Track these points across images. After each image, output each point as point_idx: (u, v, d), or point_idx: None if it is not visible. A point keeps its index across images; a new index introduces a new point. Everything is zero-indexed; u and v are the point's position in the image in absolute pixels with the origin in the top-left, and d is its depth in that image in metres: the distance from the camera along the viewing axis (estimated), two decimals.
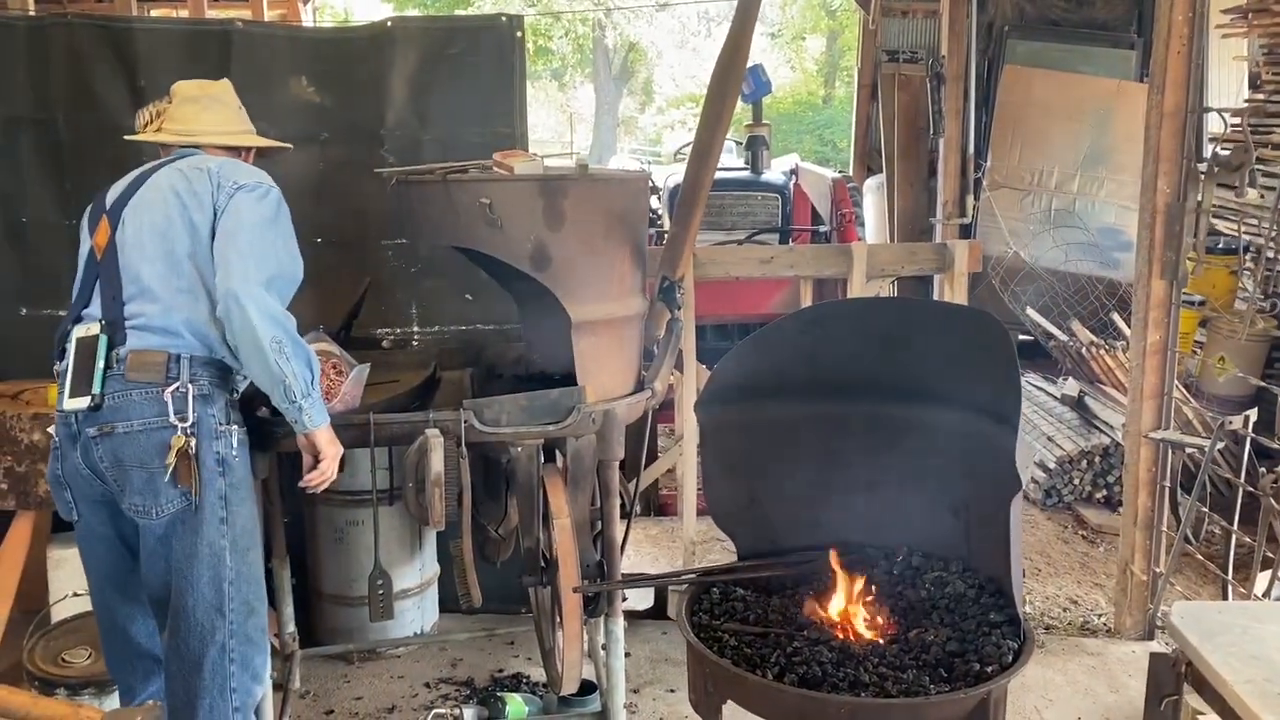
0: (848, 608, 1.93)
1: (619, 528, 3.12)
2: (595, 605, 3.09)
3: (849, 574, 2.00)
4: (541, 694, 3.48)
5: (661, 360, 3.12)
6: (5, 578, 3.21)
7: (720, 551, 4.31)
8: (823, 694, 1.66)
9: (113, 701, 2.68)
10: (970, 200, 6.84)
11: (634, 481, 3.41)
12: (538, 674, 3.62)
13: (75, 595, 3.01)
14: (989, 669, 1.72)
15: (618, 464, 3.09)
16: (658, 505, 5.01)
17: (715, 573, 2.06)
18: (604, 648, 3.21)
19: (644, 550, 4.33)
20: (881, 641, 1.84)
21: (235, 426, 2.41)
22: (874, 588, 1.96)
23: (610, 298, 2.95)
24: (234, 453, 2.40)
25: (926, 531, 2.09)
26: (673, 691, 3.56)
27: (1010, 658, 1.75)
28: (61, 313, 4.00)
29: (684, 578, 2.08)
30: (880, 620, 1.89)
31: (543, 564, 3.27)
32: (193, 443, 2.31)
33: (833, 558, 2.04)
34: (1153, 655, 1.70)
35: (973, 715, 1.65)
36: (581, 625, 2.82)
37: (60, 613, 3.08)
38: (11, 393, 3.42)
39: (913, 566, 2.05)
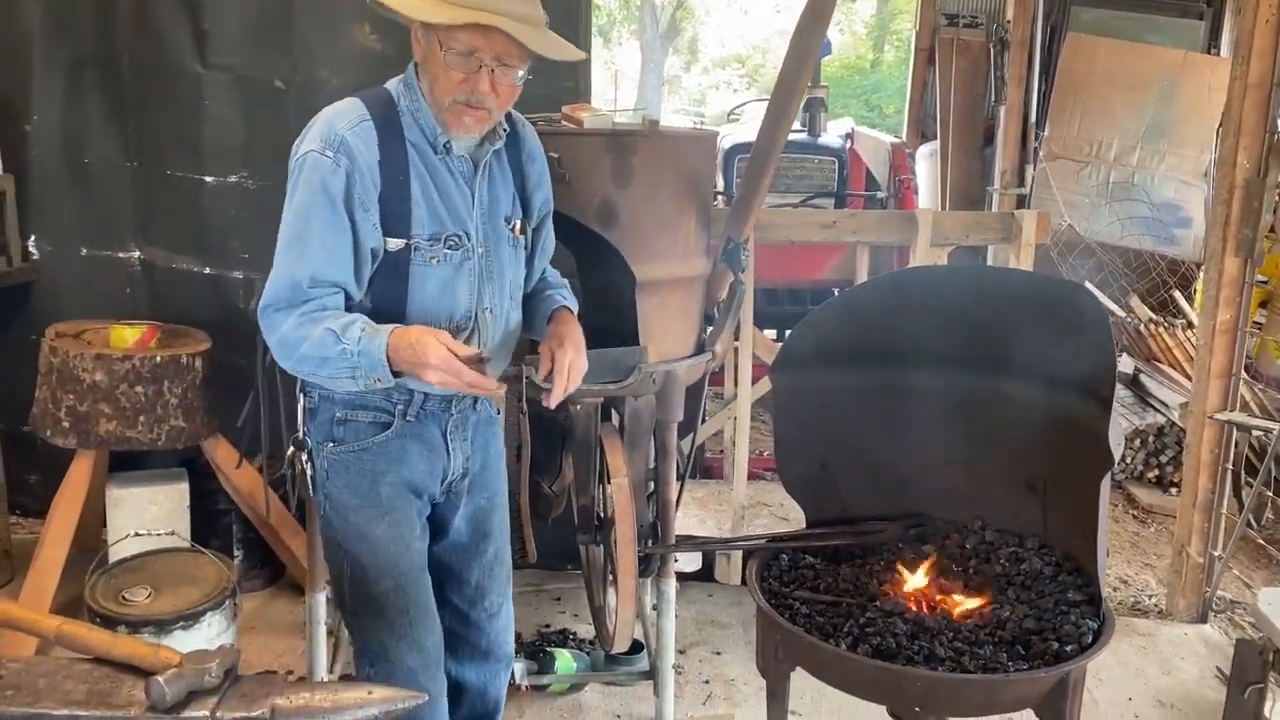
0: (921, 580, 1.90)
1: (674, 489, 3.11)
2: (648, 565, 3.09)
3: (921, 546, 1.96)
4: (589, 650, 3.49)
5: (723, 323, 3.08)
6: (64, 516, 3.25)
7: (768, 517, 4.29)
8: (898, 666, 1.64)
9: (172, 640, 2.72)
10: (1029, 170, 6.70)
11: (690, 443, 3.38)
12: (584, 630, 3.63)
13: (135, 535, 3.04)
14: (1068, 648, 1.69)
15: (676, 426, 3.08)
16: (704, 468, 4.98)
17: (785, 539, 2.03)
18: (654, 608, 3.22)
19: (690, 512, 4.31)
20: (956, 616, 1.81)
21: (332, 445, 2.10)
22: (948, 561, 1.93)
23: (675, 257, 2.90)
24: (325, 474, 2.12)
25: (1001, 506, 2.04)
26: (718, 654, 3.56)
27: (1090, 638, 1.71)
28: (121, 254, 4.07)
29: (753, 543, 2.05)
30: (954, 595, 1.86)
31: (596, 522, 3.27)
32: (303, 456, 2.15)
33: (905, 529, 2.01)
34: (1239, 642, 1.66)
35: (1050, 695, 1.62)
36: (636, 585, 2.81)
37: (119, 552, 3.12)
38: (74, 332, 3.45)
39: (986, 541, 2.01)
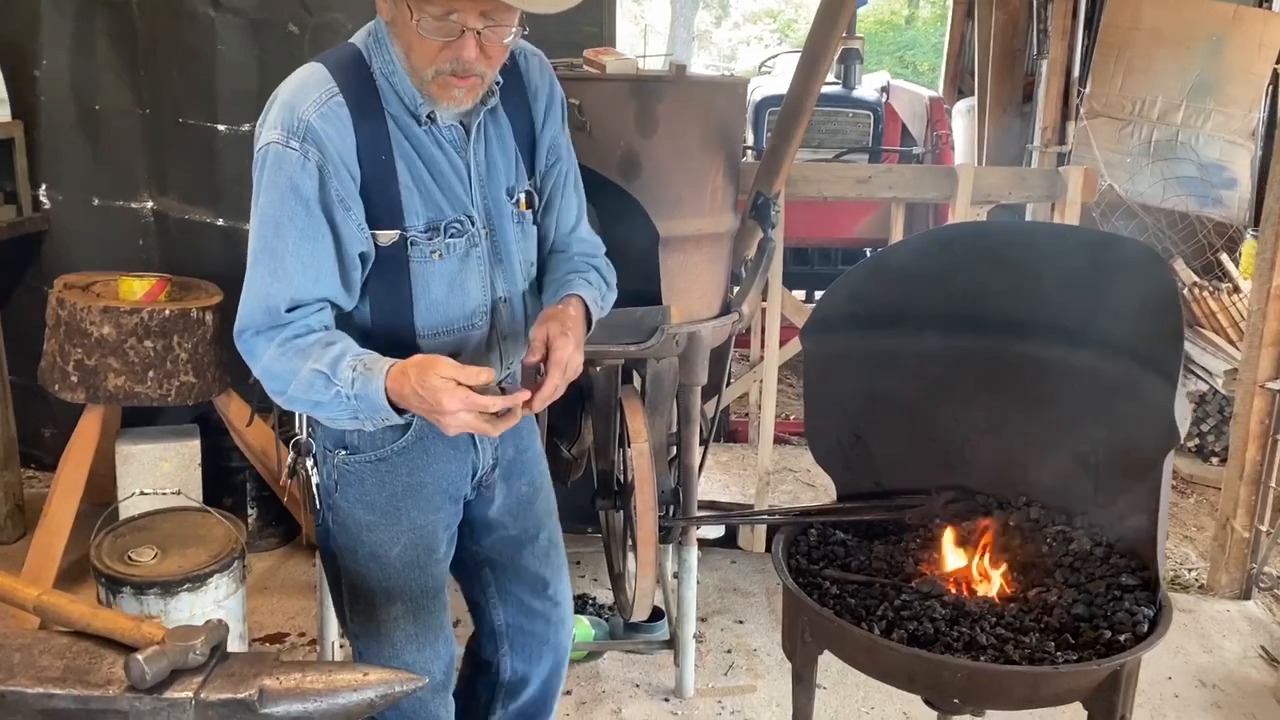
0: (960, 560, 1.77)
1: (697, 454, 2.99)
2: (669, 532, 2.98)
3: (961, 523, 1.83)
4: (608, 617, 3.40)
5: (751, 282, 2.95)
6: (72, 472, 3.18)
7: (793, 483, 4.17)
8: (936, 655, 1.51)
9: (177, 603, 2.64)
10: (1072, 126, 6.46)
11: (715, 407, 3.26)
12: (603, 596, 3.54)
13: (141, 494, 2.96)
14: (1121, 638, 1.56)
15: (699, 389, 2.96)
16: (728, 431, 4.87)
17: (814, 513, 1.91)
18: (675, 575, 3.12)
19: (713, 477, 4.21)
20: (998, 600, 1.68)
21: (344, 452, 1.82)
22: (989, 540, 1.80)
23: (701, 213, 2.77)
24: (334, 485, 1.84)
25: (1048, 481, 1.91)
26: (741, 623, 3.46)
27: (1145, 627, 1.58)
28: (134, 205, 3.98)
29: (779, 517, 1.93)
30: (996, 576, 1.73)
31: (616, 488, 3.16)
32: (307, 464, 1.88)
33: (943, 504, 1.88)
34: None
35: (1101, 689, 1.50)
36: (656, 553, 2.70)
37: (129, 511, 3.04)
38: (82, 284, 3.36)
39: (1031, 519, 1.87)
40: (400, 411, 1.61)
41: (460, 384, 1.54)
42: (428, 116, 1.69)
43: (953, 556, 1.78)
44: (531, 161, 1.87)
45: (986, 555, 1.78)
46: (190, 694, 1.35)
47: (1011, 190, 3.58)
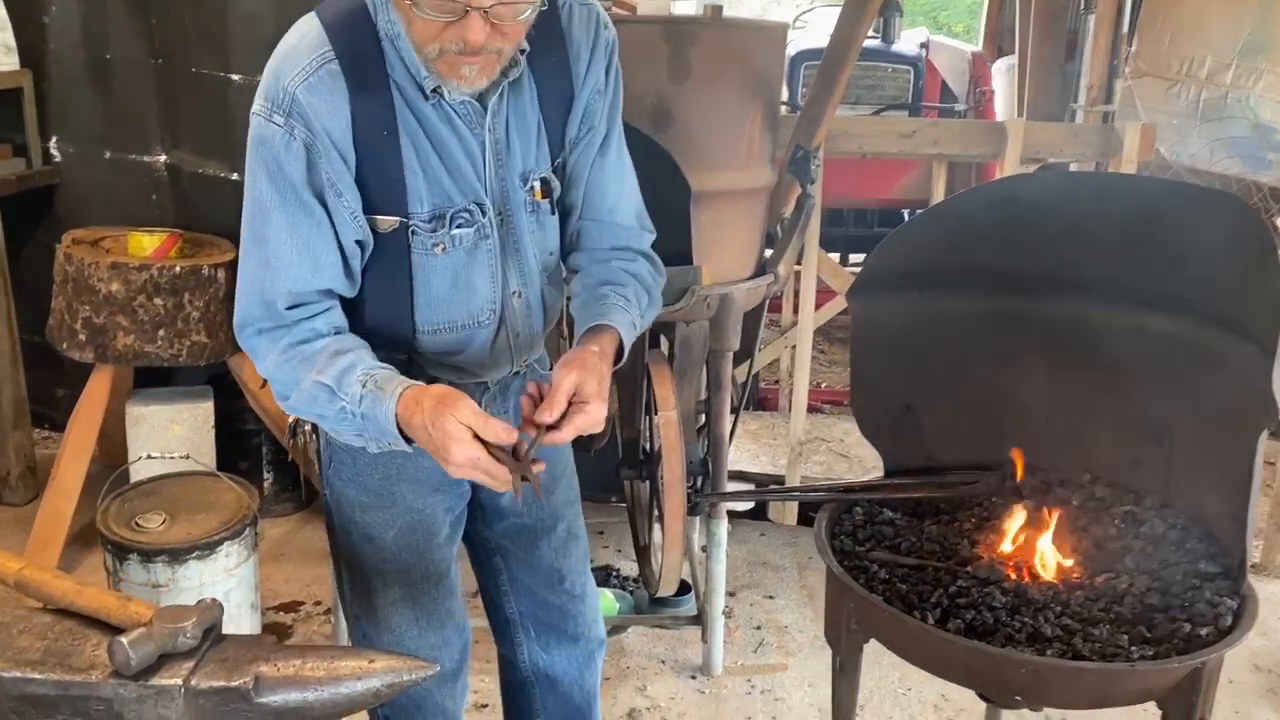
0: (1019, 543, 1.62)
1: (727, 423, 2.86)
2: (697, 505, 2.85)
3: (1020, 501, 1.68)
4: (632, 590, 3.28)
5: (788, 242, 2.79)
6: (82, 433, 3.08)
7: (826, 453, 4.03)
8: (999, 649, 1.37)
9: (186, 571, 2.54)
10: (1120, 85, 6.22)
11: (746, 373, 3.12)
12: (628, 568, 3.42)
13: (149, 457, 2.85)
14: (1202, 632, 1.41)
15: (731, 355, 2.81)
16: (757, 399, 4.72)
17: (859, 489, 1.77)
18: (703, 549, 2.99)
19: (743, 447, 4.07)
20: (1063, 587, 1.53)
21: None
22: (1051, 520, 1.65)
23: (737, 166, 2.61)
24: (329, 460, 1.71)
25: (1115, 458, 1.75)
26: (771, 598, 3.33)
27: (1229, 620, 1.43)
28: (147, 158, 3.85)
29: (820, 494, 1.79)
30: (1061, 561, 1.58)
31: (642, 457, 3.03)
32: (306, 427, 1.79)
33: (1003, 480, 1.73)
34: None
35: (1179, 688, 1.35)
36: (684, 526, 2.57)
37: (138, 474, 2.94)
38: (91, 239, 3.24)
39: (1096, 498, 1.72)
40: (409, 440, 1.44)
41: (477, 436, 1.38)
42: (434, 90, 1.47)
43: (1011, 538, 1.63)
44: (562, 135, 1.63)
45: (1049, 537, 1.63)
46: (179, 681, 1.23)
47: (1064, 147, 3.40)
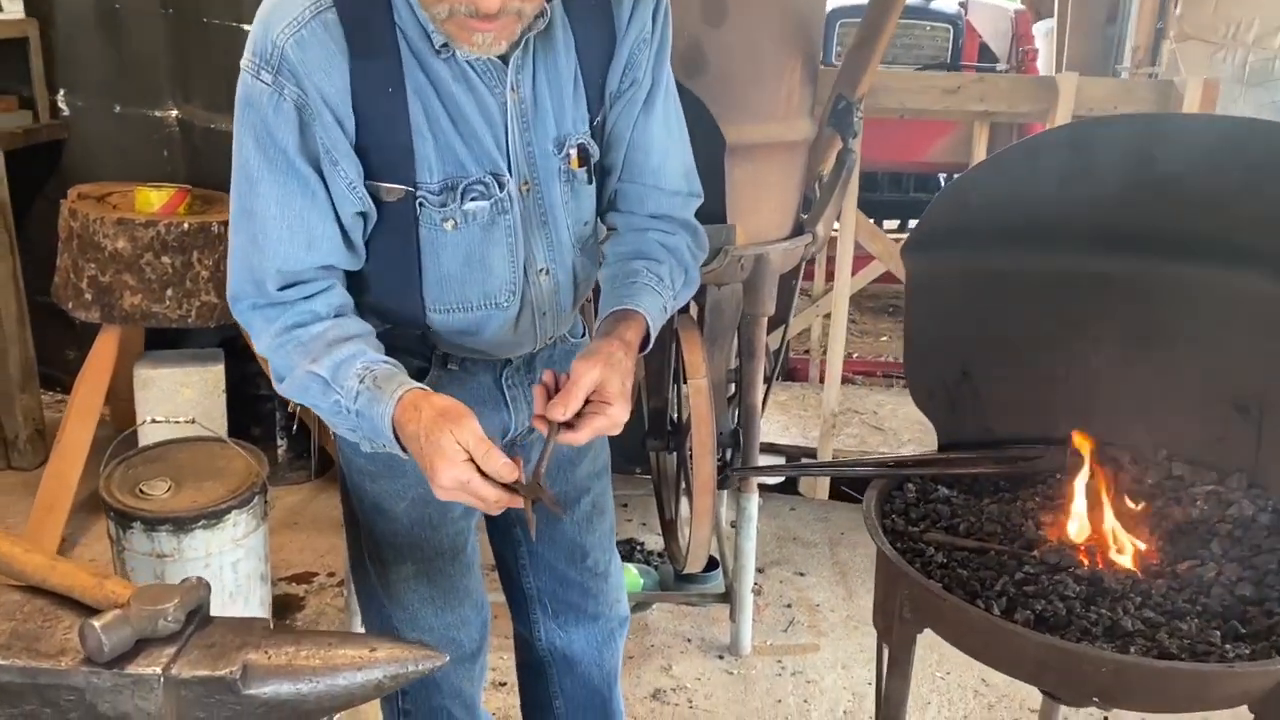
0: (1090, 524, 1.47)
1: (760, 393, 2.71)
2: (726, 478, 2.71)
3: (1089, 479, 1.53)
4: (656, 565, 3.15)
5: (828, 199, 2.63)
6: (87, 397, 2.97)
7: (859, 426, 3.87)
8: (1076, 644, 1.22)
9: (192, 541, 2.43)
10: (1167, 46, 5.98)
11: (780, 339, 2.96)
12: (652, 542, 3.29)
13: (154, 421, 2.74)
14: None
15: (765, 320, 2.66)
16: (786, 369, 4.56)
17: (911, 464, 1.61)
18: (732, 524, 2.85)
19: (772, 418, 3.91)
20: (1142, 575, 1.38)
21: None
22: (1125, 500, 1.49)
23: (775, 117, 2.44)
24: (349, 440, 1.49)
25: (1196, 432, 1.59)
26: (801, 575, 3.19)
27: None
28: (158, 112, 3.72)
29: (868, 468, 1.64)
30: (1137, 545, 1.43)
31: (670, 427, 2.89)
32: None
33: (1068, 454, 1.57)
34: None
35: (1276, 691, 1.20)
36: (713, 500, 2.43)
37: (146, 438, 2.83)
38: (98, 194, 3.12)
39: (1174, 476, 1.56)
40: (404, 448, 1.30)
41: (471, 460, 1.24)
42: (444, 44, 1.30)
43: (1080, 520, 1.48)
44: (601, 88, 1.45)
45: (1122, 519, 1.48)
46: (158, 669, 1.10)
47: (1118, 104, 3.20)
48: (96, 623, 1.09)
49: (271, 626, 1.18)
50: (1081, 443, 1.55)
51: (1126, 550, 1.43)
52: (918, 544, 1.45)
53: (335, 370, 1.31)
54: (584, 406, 1.32)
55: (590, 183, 1.50)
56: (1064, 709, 1.64)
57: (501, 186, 1.38)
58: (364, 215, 1.37)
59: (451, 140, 1.35)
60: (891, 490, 1.58)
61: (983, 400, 1.64)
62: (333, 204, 1.33)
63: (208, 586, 1.19)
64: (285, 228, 1.31)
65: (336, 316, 1.37)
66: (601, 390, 1.32)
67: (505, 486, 1.26)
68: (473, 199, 1.37)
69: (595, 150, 1.48)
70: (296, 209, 1.31)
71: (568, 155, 1.44)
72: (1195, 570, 1.39)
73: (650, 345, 1.48)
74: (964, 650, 1.32)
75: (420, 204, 1.36)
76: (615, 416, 1.33)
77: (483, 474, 1.24)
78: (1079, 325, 1.61)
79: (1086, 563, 1.39)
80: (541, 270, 1.47)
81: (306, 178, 1.30)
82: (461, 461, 1.23)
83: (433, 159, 1.34)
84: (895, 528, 1.49)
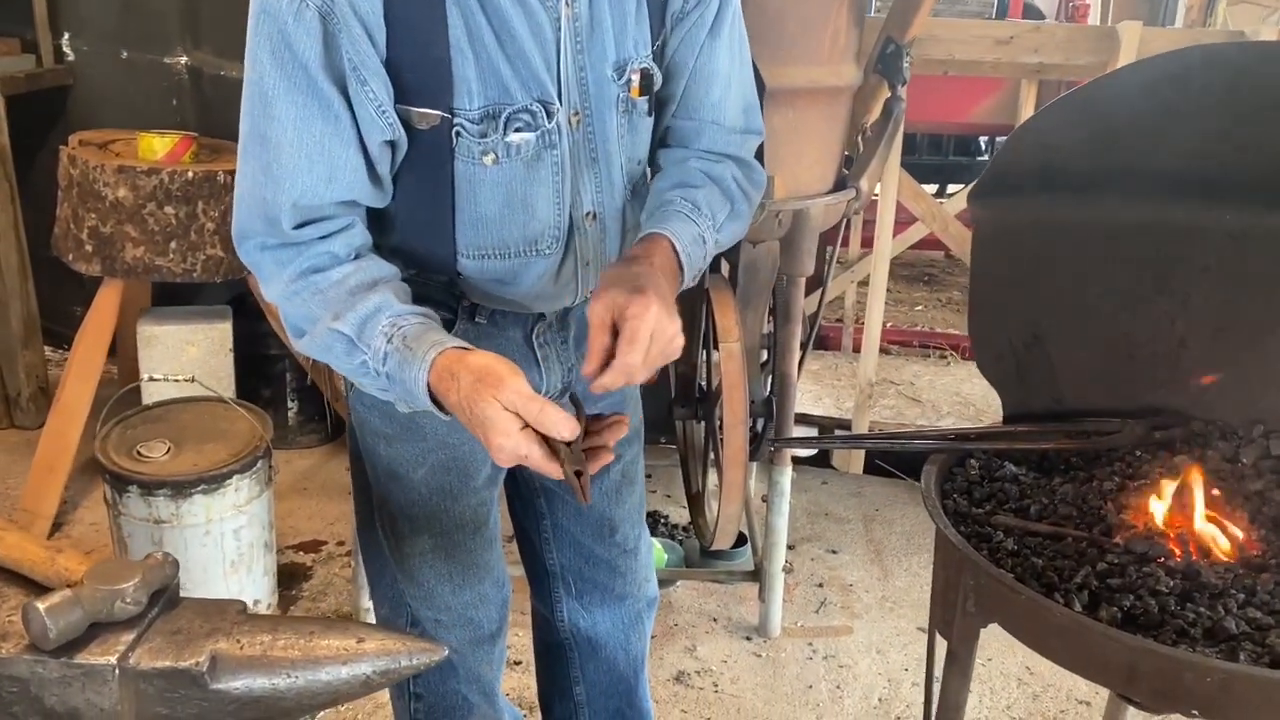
0: (1178, 509, 1.30)
1: (795, 360, 2.53)
2: (758, 449, 2.55)
3: (1173, 458, 1.35)
4: (682, 539, 3.00)
5: (873, 151, 2.44)
6: (89, 352, 2.84)
7: (895, 397, 3.69)
8: (1176, 649, 1.06)
9: (191, 506, 2.30)
10: (1221, 7, 5.71)
11: (818, 302, 2.79)
12: (677, 514, 3.13)
13: (152, 379, 2.60)
14: None
15: (803, 281, 2.48)
16: (818, 337, 4.38)
17: (973, 437, 1.44)
18: (763, 499, 2.69)
19: (804, 387, 3.74)
20: (1244, 568, 1.21)
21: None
22: (1219, 482, 1.32)
23: (819, 60, 2.25)
24: (353, 386, 1.38)
25: None
26: (834, 553, 3.03)
27: None
28: (167, 59, 3.57)
29: (929, 441, 1.47)
30: (1235, 533, 1.26)
31: (698, 395, 2.72)
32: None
33: (1150, 429, 1.40)
34: None
35: None
36: (744, 473, 2.27)
37: (150, 396, 2.70)
38: (100, 141, 2.97)
39: (1272, 455, 1.39)
40: (443, 409, 1.16)
41: (526, 426, 1.08)
42: None
43: (1166, 503, 1.31)
44: (664, 8, 1.30)
45: (1213, 504, 1.30)
46: (113, 659, 0.95)
47: None
48: (41, 604, 0.94)
49: (247, 609, 1.03)
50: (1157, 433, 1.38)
51: (1224, 539, 1.25)
52: (984, 527, 1.28)
53: (360, 327, 1.16)
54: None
55: (650, 114, 1.35)
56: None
57: (550, 116, 1.23)
58: (393, 145, 1.22)
59: (496, 60, 1.19)
60: (951, 467, 1.41)
61: (1055, 367, 1.47)
62: (358, 130, 1.18)
63: (175, 564, 1.04)
64: (303, 156, 1.15)
65: (356, 259, 1.21)
66: (621, 309, 1.12)
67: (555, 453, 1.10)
68: (517, 129, 1.22)
69: (659, 77, 1.32)
70: (317, 134, 1.15)
71: (629, 82, 1.28)
72: None
73: (687, 278, 1.29)
74: (1039, 651, 1.15)
75: (457, 133, 1.21)
76: (642, 321, 1.11)
77: (543, 440, 1.09)
78: (1165, 284, 1.43)
79: (1179, 553, 1.21)
80: (588, 214, 1.32)
81: (329, 99, 1.14)
82: (517, 431, 1.08)
83: (473, 81, 1.19)
84: (957, 509, 1.32)
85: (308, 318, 1.20)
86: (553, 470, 1.10)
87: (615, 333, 1.14)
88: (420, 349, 1.13)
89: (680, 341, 1.16)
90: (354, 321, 1.16)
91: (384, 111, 1.17)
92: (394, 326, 1.15)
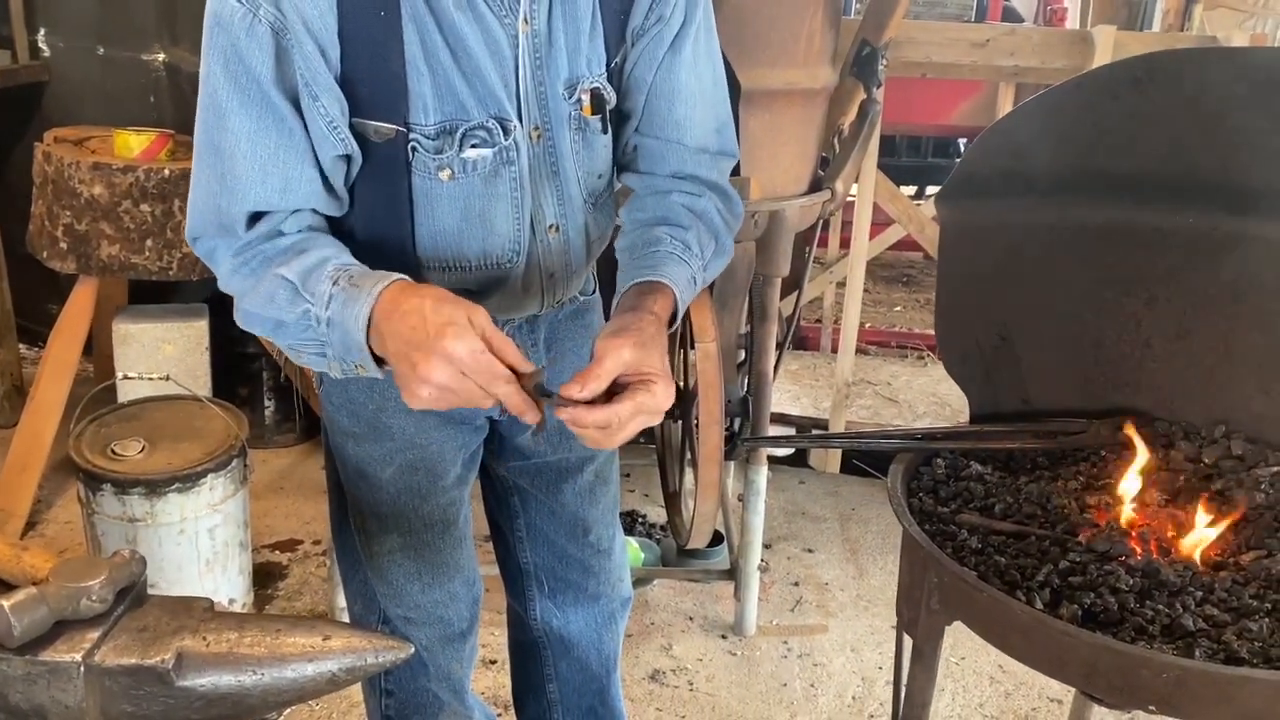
0: (1141, 508, 1.31)
1: (772, 359, 2.55)
2: (734, 448, 2.56)
3: (1139, 457, 1.37)
4: (659, 538, 3.01)
5: (849, 153, 2.45)
6: (63, 350, 2.82)
7: (873, 397, 3.71)
8: (1133, 646, 1.07)
9: (165, 505, 2.29)
10: (1198, 12, 5.76)
11: (794, 304, 2.80)
12: (655, 514, 3.15)
13: (127, 378, 2.59)
14: None
15: (779, 282, 2.50)
16: (797, 337, 4.40)
17: (940, 436, 1.46)
18: (739, 498, 2.71)
19: (782, 387, 3.75)
20: (1203, 566, 1.23)
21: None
22: (1181, 482, 1.34)
23: (795, 63, 2.26)
24: (319, 376, 1.40)
25: (1259, 407, 1.43)
26: (810, 551, 3.05)
27: None
28: (144, 55, 3.55)
29: (895, 441, 1.49)
30: (1194, 533, 1.28)
31: (676, 394, 2.73)
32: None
33: (1116, 429, 1.42)
34: None
35: None
36: (720, 472, 2.28)
37: (127, 395, 2.69)
38: (75, 138, 2.96)
39: (1234, 455, 1.41)
40: (379, 362, 1.11)
41: (491, 350, 1.04)
42: None
43: (1130, 503, 1.33)
44: (623, 26, 1.29)
45: (1175, 502, 1.32)
46: (78, 657, 0.95)
47: None
48: (5, 602, 0.94)
49: (215, 607, 1.04)
50: (1133, 433, 1.39)
51: (1185, 538, 1.27)
52: (949, 526, 1.30)
53: (306, 275, 1.13)
54: (620, 389, 1.11)
55: (605, 132, 1.34)
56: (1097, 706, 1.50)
57: (507, 133, 1.22)
58: (347, 158, 1.20)
59: (451, 77, 1.18)
60: (919, 466, 1.42)
61: (1021, 367, 1.48)
62: (311, 144, 1.17)
63: (143, 561, 1.04)
64: (257, 168, 1.14)
65: (306, 230, 1.20)
66: (638, 368, 1.10)
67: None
68: (473, 145, 1.21)
69: (611, 96, 1.31)
70: (271, 147, 1.14)
71: (579, 100, 1.28)
72: (1262, 562, 1.23)
73: (678, 322, 1.28)
74: (1002, 648, 1.17)
75: (413, 149, 1.20)
76: (661, 395, 1.10)
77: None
78: (1132, 285, 1.45)
79: (1140, 551, 1.23)
80: (551, 226, 1.32)
81: (283, 112, 1.14)
82: (476, 340, 1.03)
83: (429, 98, 1.18)
84: (923, 507, 1.34)
85: (252, 282, 1.17)
86: (499, 370, 1.05)
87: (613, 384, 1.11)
88: (367, 284, 1.09)
89: (668, 405, 1.14)
90: (299, 268, 1.13)
91: (335, 127, 1.17)
92: (341, 270, 1.12)
